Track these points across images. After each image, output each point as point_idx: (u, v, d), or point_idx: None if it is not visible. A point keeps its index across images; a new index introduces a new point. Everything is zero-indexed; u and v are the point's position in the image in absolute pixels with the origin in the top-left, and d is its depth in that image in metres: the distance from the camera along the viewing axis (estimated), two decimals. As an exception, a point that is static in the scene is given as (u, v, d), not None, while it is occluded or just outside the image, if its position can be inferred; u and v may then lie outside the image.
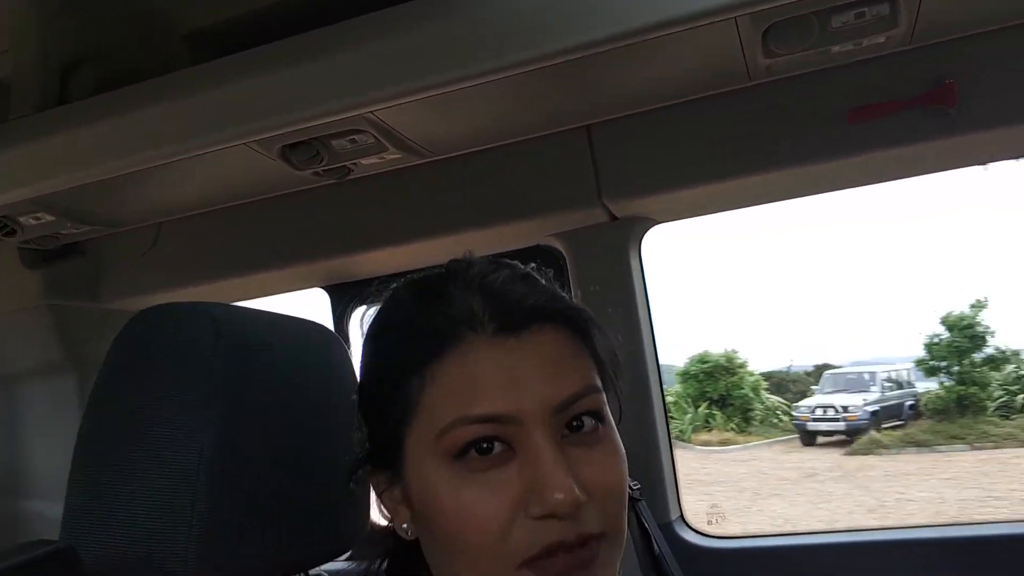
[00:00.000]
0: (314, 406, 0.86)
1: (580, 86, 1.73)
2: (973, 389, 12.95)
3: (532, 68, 1.48)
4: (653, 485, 2.00)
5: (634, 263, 2.10)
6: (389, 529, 0.80)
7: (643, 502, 1.84)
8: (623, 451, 0.75)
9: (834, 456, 13.24)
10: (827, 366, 15.44)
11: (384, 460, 0.76)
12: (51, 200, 1.99)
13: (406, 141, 1.80)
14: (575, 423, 0.72)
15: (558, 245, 2.13)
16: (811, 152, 1.81)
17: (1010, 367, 13.38)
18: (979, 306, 13.22)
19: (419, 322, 0.73)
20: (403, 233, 2.12)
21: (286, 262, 2.23)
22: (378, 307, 0.80)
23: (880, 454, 12.07)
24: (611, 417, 0.77)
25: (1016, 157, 1.89)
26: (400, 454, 0.73)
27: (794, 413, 15.75)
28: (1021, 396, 12.89)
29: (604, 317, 2.04)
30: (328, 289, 2.44)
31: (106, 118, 1.67)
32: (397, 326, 0.76)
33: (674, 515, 2.04)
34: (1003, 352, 13.48)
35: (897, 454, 11.86)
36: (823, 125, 1.77)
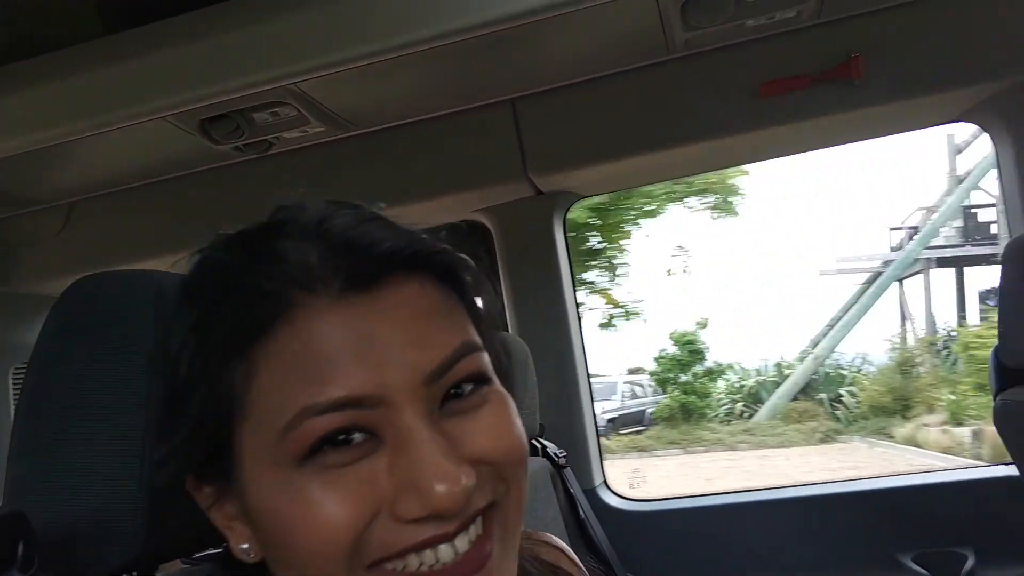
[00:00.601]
0: None
1: (504, 59, 1.75)
2: (693, 398, 14.08)
3: (457, 40, 1.48)
4: (578, 453, 2.05)
5: (558, 236, 2.14)
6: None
7: (568, 469, 1.89)
8: (513, 406, 0.60)
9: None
10: (639, 370, 16.00)
11: (208, 470, 0.59)
12: (-48, 178, 1.90)
13: (329, 114, 1.78)
14: (453, 391, 0.57)
15: (484, 220, 2.15)
16: (727, 125, 1.87)
17: (733, 377, 14.79)
18: (702, 324, 14.46)
19: (237, 288, 0.56)
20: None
21: (207, 243, 2.17)
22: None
23: (604, 458, 12.69)
24: (495, 376, 0.61)
25: (919, 128, 2.00)
26: (229, 462, 0.57)
27: (546, 421, 16.22)
28: (740, 404, 14.12)
29: (529, 288, 2.11)
30: (251, 268, 2.39)
31: (11, 91, 1.60)
32: (209, 298, 0.57)
33: (598, 481, 2.11)
34: (720, 365, 14.79)
35: (619, 459, 12.56)
36: (738, 99, 1.83)
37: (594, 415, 2.19)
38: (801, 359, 14.06)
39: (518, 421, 0.60)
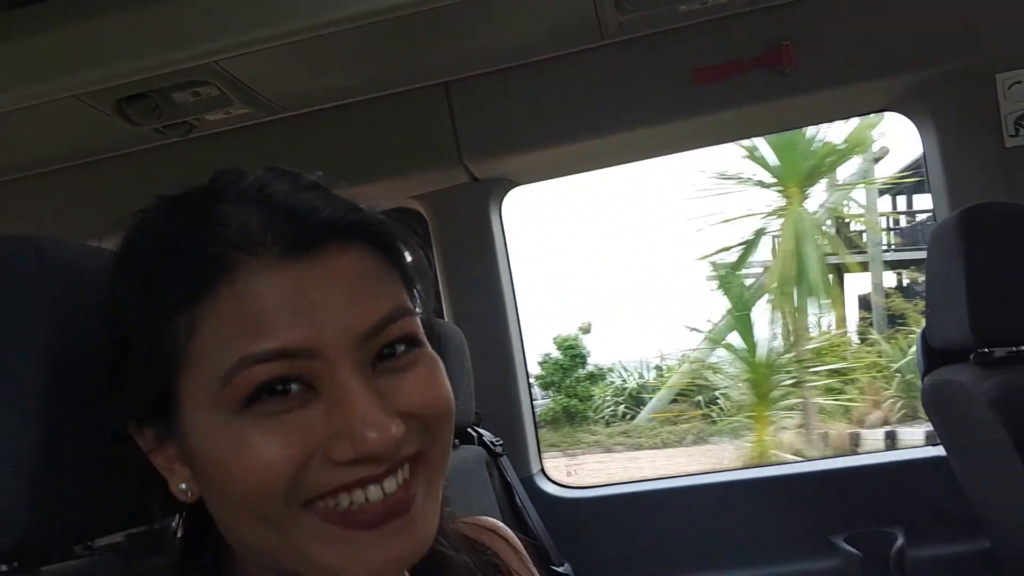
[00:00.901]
0: None
1: (436, 41, 1.71)
2: (575, 402, 14.29)
3: (386, 18, 1.44)
4: (515, 441, 2.03)
5: (495, 224, 2.11)
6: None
7: (505, 457, 1.87)
8: (442, 366, 0.64)
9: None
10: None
11: (151, 415, 0.62)
12: None
13: (254, 95, 1.72)
14: (386, 351, 0.60)
15: (419, 207, 2.11)
16: (662, 112, 1.87)
17: (617, 380, 14.90)
18: (585, 328, 14.83)
19: (179, 250, 0.58)
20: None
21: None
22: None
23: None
24: (427, 340, 0.64)
25: (848, 116, 2.03)
26: (172, 408, 0.60)
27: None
28: (622, 406, 14.25)
29: (466, 278, 2.08)
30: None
31: (-90, 67, 1.51)
32: (150, 257, 0.60)
33: (535, 469, 2.09)
34: (601, 369, 14.92)
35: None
36: (673, 85, 1.83)
37: (532, 403, 2.17)
38: (681, 362, 14.22)
39: (446, 380, 0.64)
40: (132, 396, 0.62)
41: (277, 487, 0.56)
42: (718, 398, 12.86)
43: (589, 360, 14.80)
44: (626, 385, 14.46)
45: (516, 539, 0.87)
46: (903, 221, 17.87)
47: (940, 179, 1.87)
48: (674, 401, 13.25)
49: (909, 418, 10.27)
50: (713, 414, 12.69)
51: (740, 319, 10.52)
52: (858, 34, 1.79)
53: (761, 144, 8.96)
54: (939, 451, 1.87)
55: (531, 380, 2.13)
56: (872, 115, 1.95)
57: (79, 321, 0.70)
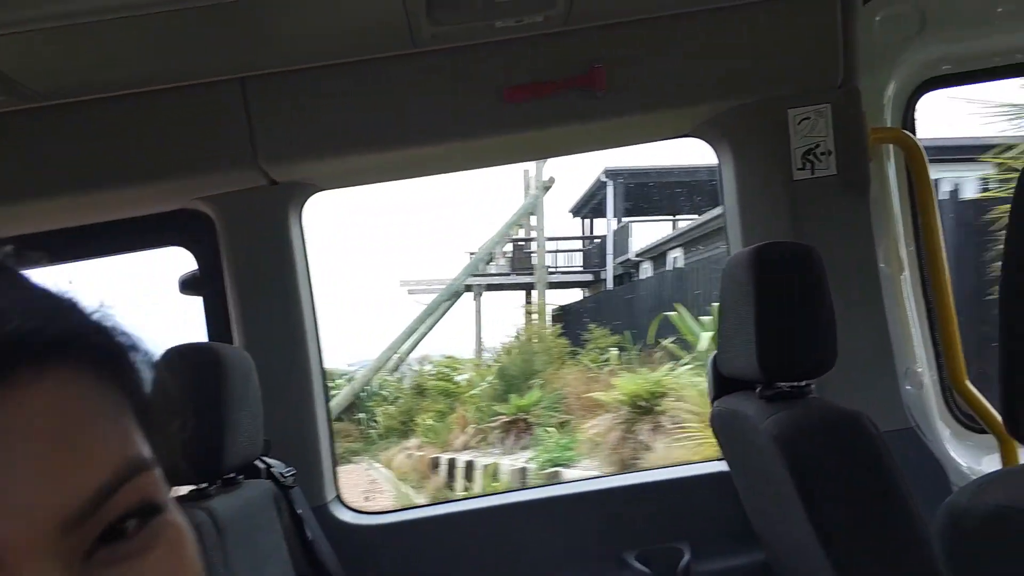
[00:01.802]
0: None
1: (232, 34, 1.56)
2: None
3: (173, 9, 1.29)
4: (309, 467, 1.91)
5: (294, 231, 1.98)
6: None
7: (297, 488, 1.74)
8: (191, 540, 0.44)
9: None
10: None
11: None
12: None
13: (13, 82, 1.48)
14: (109, 532, 0.39)
15: (208, 210, 1.93)
16: (472, 127, 1.82)
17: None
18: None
19: None
20: (14, 191, 1.77)
21: None
22: None
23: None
24: (169, 497, 0.43)
25: (655, 139, 2.08)
26: None
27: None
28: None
29: (261, 289, 1.93)
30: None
31: None
32: None
33: (330, 496, 1.98)
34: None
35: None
36: (484, 101, 1.79)
37: (330, 426, 2.05)
38: (348, 379, 14.06)
39: (197, 562, 0.43)
40: None
41: None
42: (378, 417, 12.74)
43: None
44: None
45: None
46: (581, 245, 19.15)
47: (734, 207, 1.95)
48: (339, 419, 12.72)
49: (480, 444, 10.36)
50: (371, 433, 12.49)
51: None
52: (665, 62, 1.83)
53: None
54: (723, 466, 1.96)
55: (328, 401, 1.98)
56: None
57: None
